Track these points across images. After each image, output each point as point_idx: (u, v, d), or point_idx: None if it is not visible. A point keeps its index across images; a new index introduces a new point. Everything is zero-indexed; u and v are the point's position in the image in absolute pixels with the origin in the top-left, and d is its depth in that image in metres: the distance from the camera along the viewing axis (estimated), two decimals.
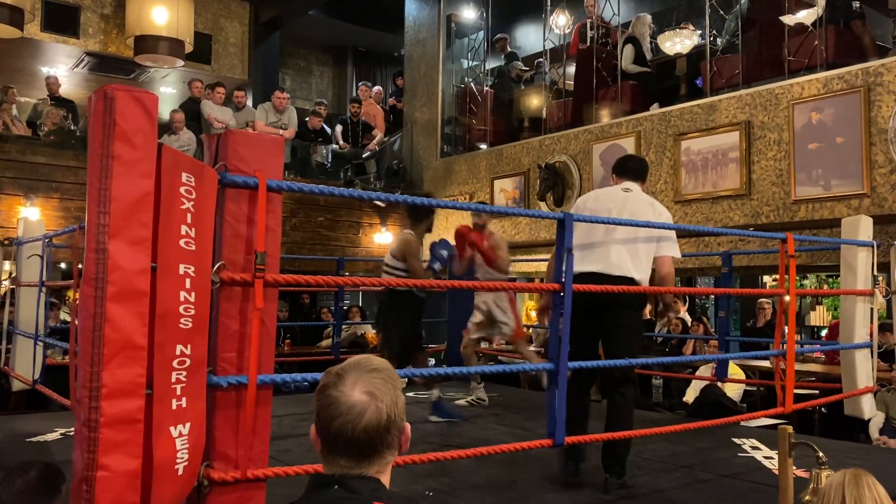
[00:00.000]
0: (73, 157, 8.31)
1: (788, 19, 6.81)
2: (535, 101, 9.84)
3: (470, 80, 10.72)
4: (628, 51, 8.27)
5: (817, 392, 5.97)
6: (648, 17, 8.40)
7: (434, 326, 9.60)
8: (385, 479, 1.30)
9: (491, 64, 11.03)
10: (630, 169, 4.13)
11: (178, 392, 2.05)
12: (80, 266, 4.06)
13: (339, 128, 10.63)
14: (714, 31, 7.70)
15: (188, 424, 2.10)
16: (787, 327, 4.32)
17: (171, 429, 2.03)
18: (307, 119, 10.34)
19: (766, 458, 4.31)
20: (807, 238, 5.54)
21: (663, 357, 6.21)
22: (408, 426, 1.33)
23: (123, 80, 11.63)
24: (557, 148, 8.69)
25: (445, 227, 10.28)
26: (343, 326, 7.91)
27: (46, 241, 4.95)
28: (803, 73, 6.56)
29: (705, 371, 6.39)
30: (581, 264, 3.57)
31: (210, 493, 2.34)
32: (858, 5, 6.77)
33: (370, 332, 8.93)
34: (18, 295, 5.26)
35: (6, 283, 5.65)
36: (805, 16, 6.72)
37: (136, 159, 1.91)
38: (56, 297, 7.43)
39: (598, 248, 3.75)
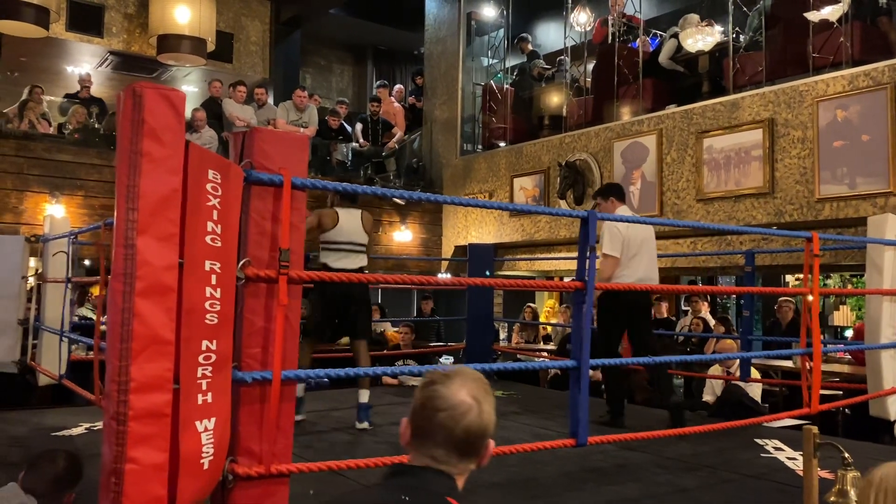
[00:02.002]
0: (96, 155, 8.41)
1: (813, 16, 6.73)
2: (555, 99, 9.81)
3: (491, 79, 10.71)
4: (671, 45, 8.20)
5: (841, 393, 5.90)
6: (696, 17, 8.31)
7: (453, 324, 9.62)
8: (460, 484, 1.36)
9: (511, 62, 11.01)
10: (624, 195, 5.28)
11: (204, 387, 2.07)
12: (105, 262, 4.12)
13: (359, 126, 10.65)
14: (737, 28, 7.62)
15: (213, 419, 2.12)
16: (812, 327, 4.27)
17: (197, 423, 2.05)
18: (327, 117, 10.38)
19: (789, 459, 4.26)
20: (832, 237, 5.47)
21: (685, 356, 6.17)
22: (492, 442, 1.39)
23: (146, 79, 11.73)
24: (578, 146, 8.65)
25: (464, 224, 10.29)
26: None
27: (72, 238, 5.01)
28: (828, 70, 6.48)
29: (718, 370, 6.33)
30: (634, 273, 4.85)
31: (234, 487, 2.36)
32: (885, 1, 6.68)
33: (389, 329, 8.94)
34: (44, 291, 5.33)
35: (32, 279, 5.72)
36: (830, 12, 6.64)
37: (165, 156, 1.93)
38: (77, 293, 7.51)
39: (643, 261, 4.92)
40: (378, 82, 12.08)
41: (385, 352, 7.82)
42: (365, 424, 4.90)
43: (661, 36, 8.86)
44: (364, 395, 4.95)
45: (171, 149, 1.95)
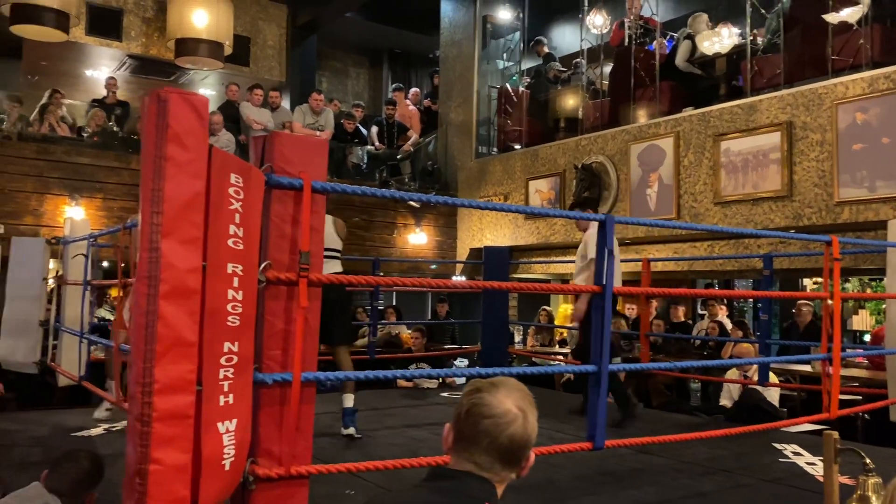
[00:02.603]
0: (115, 158, 8.49)
1: (832, 17, 6.68)
2: (571, 102, 9.80)
3: (507, 82, 10.71)
4: (685, 47, 8.18)
5: (861, 398, 5.86)
6: (705, 16, 8.28)
7: (468, 327, 9.62)
8: (499, 492, 1.37)
9: (526, 64, 11.01)
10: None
11: (226, 389, 2.09)
12: (122, 265, 4.15)
13: (374, 129, 10.70)
14: (755, 31, 7.58)
15: (235, 421, 2.13)
16: (832, 332, 4.23)
17: (219, 425, 2.06)
18: (343, 121, 10.43)
19: (808, 464, 4.23)
20: (851, 241, 5.43)
21: (704, 361, 6.14)
22: (533, 454, 1.41)
23: (164, 83, 11.85)
24: (594, 148, 8.63)
25: (479, 227, 10.29)
26: (378, 326, 7.96)
27: (91, 240, 5.06)
28: (847, 72, 6.43)
29: (735, 374, 6.29)
30: (617, 278, 5.13)
31: (255, 489, 2.38)
32: None
33: (405, 332, 8.96)
34: (64, 293, 5.38)
35: (52, 281, 5.78)
36: (849, 14, 6.59)
37: (188, 160, 1.95)
38: (94, 295, 7.59)
39: (618, 267, 5.15)
40: (394, 85, 12.11)
41: (399, 355, 7.83)
42: (351, 430, 4.69)
43: (677, 38, 8.82)
44: (348, 400, 4.77)
45: (194, 153, 1.97)
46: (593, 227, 5.42)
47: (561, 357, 8.64)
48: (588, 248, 5.46)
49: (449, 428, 1.40)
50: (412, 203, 9.96)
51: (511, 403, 1.37)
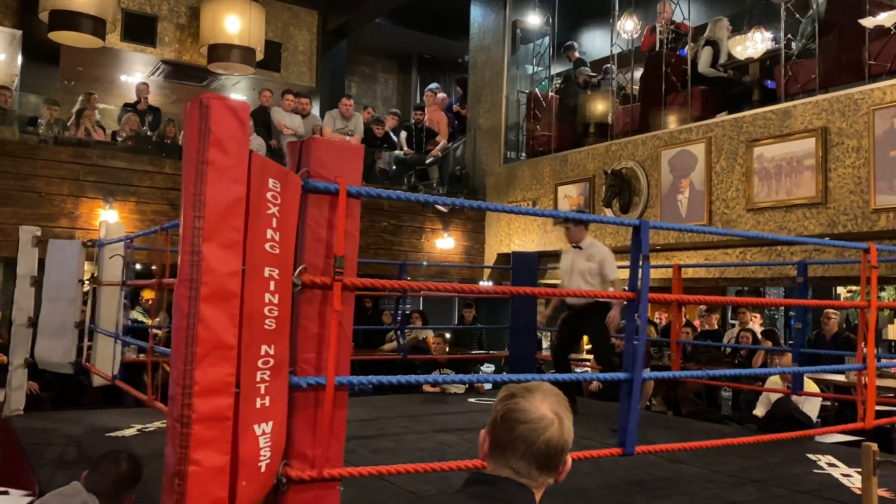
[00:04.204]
0: (149, 162, 8.62)
1: (868, 22, 6.58)
2: (600, 107, 9.75)
3: (536, 87, 10.69)
4: (706, 53, 8.11)
5: None
6: (726, 21, 8.22)
7: (495, 333, 9.61)
8: (537, 497, 1.37)
9: (556, 69, 10.98)
10: None
11: (263, 391, 2.11)
12: (153, 267, 4.20)
13: (403, 134, 10.74)
14: (789, 35, 7.49)
15: (271, 423, 2.15)
16: (866, 341, 4.16)
17: (256, 427, 2.09)
18: (372, 125, 10.49)
19: (843, 475, 4.16)
20: (889, 248, 5.32)
21: (736, 370, 6.04)
22: (570, 459, 1.40)
23: (196, 88, 12.02)
24: (624, 154, 8.58)
25: (507, 231, 10.27)
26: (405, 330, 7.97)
27: (128, 242, 5.14)
28: (885, 77, 6.33)
29: (778, 384, 6.19)
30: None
31: (287, 490, 2.40)
32: None
33: (430, 336, 8.97)
34: (99, 294, 5.46)
35: (87, 283, 5.87)
36: (886, 18, 6.49)
37: (229, 166, 1.98)
38: (128, 297, 7.69)
39: None
40: (431, 85, 12.12)
41: (427, 356, 7.84)
42: None
43: (696, 45, 8.75)
44: None
45: (235, 158, 2.00)
46: (599, 245, 5.62)
47: (589, 364, 8.58)
48: (605, 267, 5.43)
49: (484, 434, 1.39)
50: (440, 207, 9.96)
51: (546, 408, 1.36)
